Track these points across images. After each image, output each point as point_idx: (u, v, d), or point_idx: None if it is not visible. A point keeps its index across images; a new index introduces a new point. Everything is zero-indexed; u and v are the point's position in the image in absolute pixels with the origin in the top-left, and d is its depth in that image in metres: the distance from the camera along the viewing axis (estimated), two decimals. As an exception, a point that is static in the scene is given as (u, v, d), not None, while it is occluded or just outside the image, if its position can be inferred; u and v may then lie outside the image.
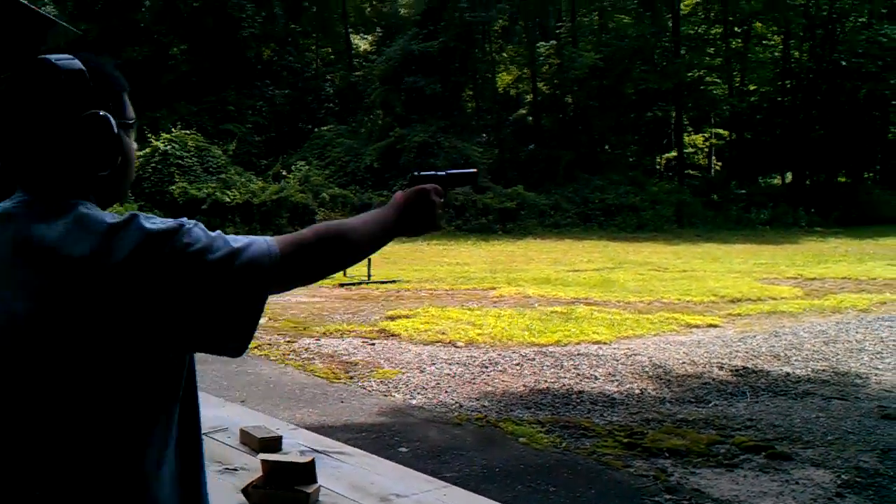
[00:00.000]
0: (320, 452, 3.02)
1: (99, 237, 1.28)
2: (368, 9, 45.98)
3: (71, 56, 1.36)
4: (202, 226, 1.34)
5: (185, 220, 1.34)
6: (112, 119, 1.35)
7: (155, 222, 1.30)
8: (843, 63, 34.39)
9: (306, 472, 2.58)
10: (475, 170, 1.95)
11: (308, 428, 5.66)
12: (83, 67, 1.35)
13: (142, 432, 1.32)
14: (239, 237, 1.36)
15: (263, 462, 2.61)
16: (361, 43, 43.94)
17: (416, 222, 1.65)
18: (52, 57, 1.35)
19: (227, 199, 28.39)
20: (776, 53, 38.34)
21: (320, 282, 13.43)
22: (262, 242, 1.37)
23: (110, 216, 1.31)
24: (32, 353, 1.26)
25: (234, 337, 1.34)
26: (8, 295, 1.28)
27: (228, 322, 1.32)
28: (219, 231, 1.36)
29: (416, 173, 1.77)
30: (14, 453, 1.28)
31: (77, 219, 1.30)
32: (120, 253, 1.26)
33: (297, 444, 3.11)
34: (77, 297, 1.25)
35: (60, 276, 1.26)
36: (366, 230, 1.54)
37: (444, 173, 1.79)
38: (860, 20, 35.32)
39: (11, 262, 1.29)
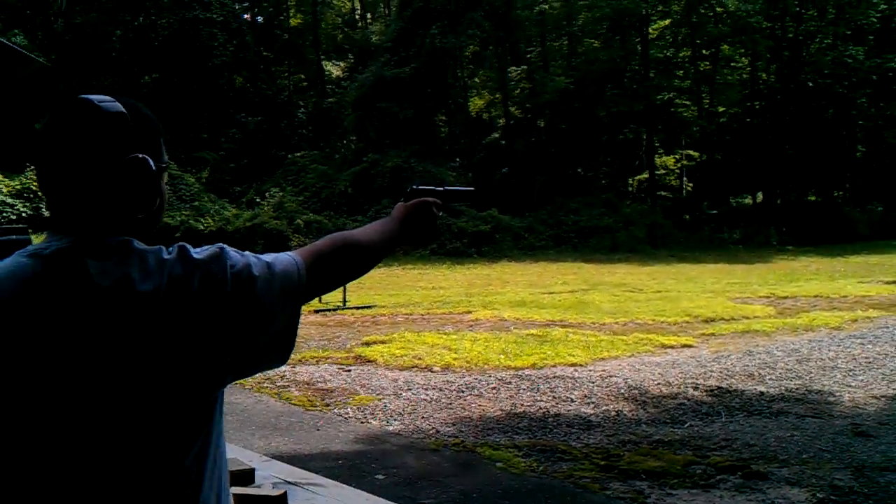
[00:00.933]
0: (293, 484, 3.00)
1: (162, 272, 1.31)
2: (340, 36, 46.21)
3: (112, 98, 1.37)
4: (228, 247, 1.40)
5: (219, 245, 1.40)
6: (152, 162, 1.36)
7: (199, 252, 1.36)
8: (810, 84, 34.94)
9: (278, 504, 2.56)
10: (472, 188, 1.98)
11: (283, 457, 5.62)
12: (124, 110, 1.36)
13: (198, 446, 1.35)
14: (264, 255, 1.43)
15: (235, 496, 2.58)
16: (334, 69, 44.09)
17: (418, 232, 1.76)
18: (95, 98, 1.35)
19: (201, 227, 28.27)
20: (744, 75, 38.88)
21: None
22: (288, 257, 1.45)
23: (163, 250, 1.35)
24: (112, 386, 1.27)
25: (284, 349, 1.45)
26: (82, 334, 1.26)
27: (278, 335, 1.42)
28: (246, 252, 1.43)
29: (415, 187, 1.81)
30: (98, 478, 1.28)
31: (138, 255, 1.32)
32: (185, 285, 1.30)
33: (269, 477, 3.08)
34: (151, 329, 1.28)
35: (134, 312, 1.27)
36: (374, 238, 1.64)
37: (441, 189, 1.82)
38: (826, 41, 35.92)
39: (80, 302, 1.27)
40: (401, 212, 1.75)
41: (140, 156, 1.35)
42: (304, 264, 1.46)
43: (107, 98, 1.36)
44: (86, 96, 1.36)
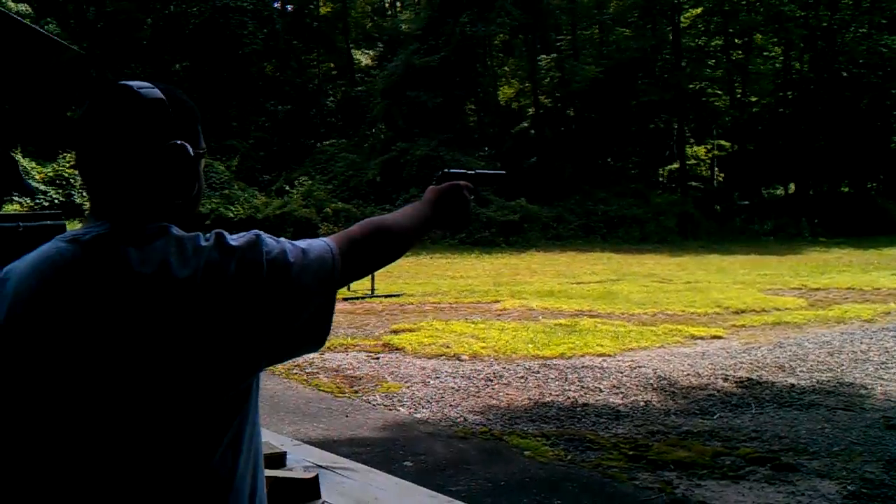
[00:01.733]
0: (324, 468, 3.02)
1: (199, 258, 1.31)
2: (369, 24, 46.22)
3: (151, 84, 1.38)
4: (264, 233, 1.41)
5: (255, 232, 1.41)
6: (190, 149, 1.37)
7: (235, 238, 1.37)
8: (844, 74, 34.48)
9: (310, 487, 2.58)
10: (503, 172, 1.98)
11: (312, 443, 5.66)
12: (163, 96, 1.37)
13: (233, 429, 1.36)
14: (302, 242, 1.44)
15: (267, 478, 2.61)
16: (363, 58, 44.10)
17: (450, 216, 1.76)
18: (134, 84, 1.36)
19: (231, 215, 28.47)
20: (777, 65, 38.42)
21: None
22: (322, 243, 1.46)
23: (200, 237, 1.35)
24: (151, 372, 1.28)
25: (319, 334, 1.45)
26: (119, 320, 1.28)
27: (313, 320, 1.42)
28: (281, 238, 1.43)
29: (446, 171, 1.82)
30: (124, 464, 1.29)
31: (175, 242, 1.33)
32: (221, 271, 1.31)
33: (301, 460, 3.10)
34: (189, 315, 1.28)
35: (172, 298, 1.28)
36: (406, 223, 1.64)
37: (472, 172, 1.83)
38: (860, 31, 35.40)
39: (117, 288, 1.28)
40: (433, 195, 1.75)
41: (179, 142, 1.36)
42: (339, 250, 1.46)
43: (146, 84, 1.37)
44: (125, 82, 1.37)
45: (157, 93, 1.36)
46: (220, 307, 1.30)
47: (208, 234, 1.37)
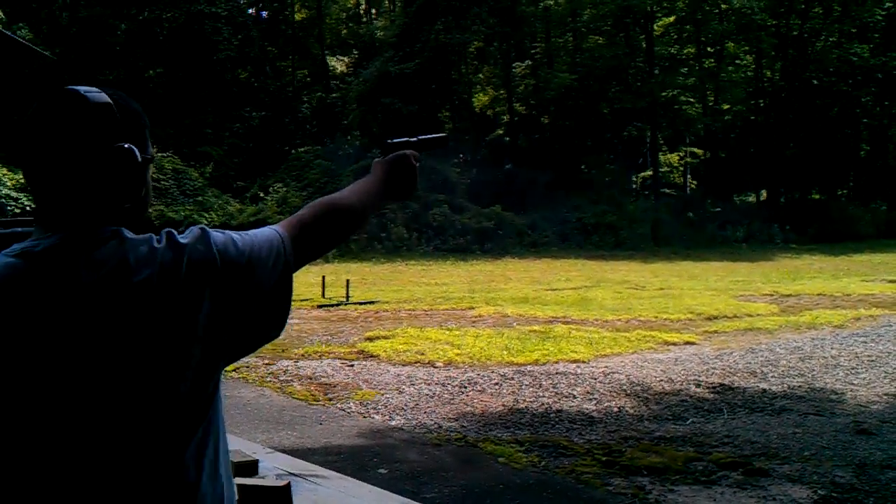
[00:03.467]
0: (297, 476, 3.01)
1: (154, 260, 1.32)
2: (344, 31, 46.17)
3: (98, 89, 1.37)
4: (208, 227, 1.42)
5: (200, 226, 1.43)
6: (137, 152, 1.36)
7: (185, 236, 1.38)
8: (815, 82, 34.88)
9: (282, 495, 2.57)
10: (445, 134, 2.00)
11: (286, 451, 5.63)
12: (110, 101, 1.36)
13: (198, 436, 1.36)
14: (248, 231, 1.46)
15: (239, 486, 2.60)
16: (338, 64, 44.06)
17: (400, 186, 1.78)
18: (81, 89, 1.35)
19: (205, 222, 28.27)
20: (749, 73, 38.84)
21: (298, 303, 13.31)
22: (268, 229, 1.47)
23: (153, 238, 1.36)
24: (115, 381, 1.27)
25: (278, 323, 1.46)
26: (79, 330, 1.27)
27: (272, 310, 1.44)
28: (226, 230, 1.45)
29: (388, 141, 1.83)
30: (99, 460, 1.28)
31: (130, 245, 1.33)
32: (175, 269, 1.32)
33: (273, 468, 3.09)
34: (150, 317, 1.29)
35: (131, 302, 1.28)
36: (356, 199, 1.64)
37: (415, 139, 1.85)
38: (831, 39, 35.86)
39: (75, 297, 1.27)
40: (381, 168, 1.76)
41: (126, 145, 1.35)
42: (288, 234, 1.48)
43: (93, 89, 1.36)
44: (72, 87, 1.36)
45: (104, 97, 1.35)
46: (180, 305, 1.31)
47: (159, 235, 1.37)
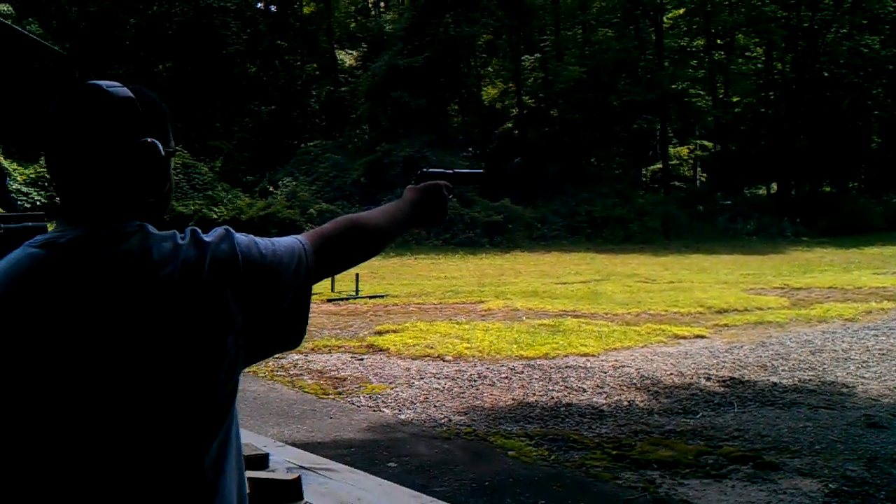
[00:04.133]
0: (307, 469, 3.01)
1: (176, 256, 1.32)
2: (353, 24, 46.14)
3: (120, 84, 1.37)
4: (232, 230, 1.42)
5: (224, 227, 1.43)
6: (160, 146, 1.37)
7: (209, 235, 1.38)
8: (826, 74, 34.72)
9: (292, 488, 2.57)
10: (482, 171, 2.00)
11: (296, 444, 5.65)
12: (133, 95, 1.36)
13: (221, 435, 1.36)
14: (271, 238, 1.46)
15: (249, 479, 2.60)
16: (347, 58, 44.03)
17: (429, 215, 1.79)
18: (103, 84, 1.35)
19: (215, 216, 28.38)
20: (759, 65, 38.66)
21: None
22: (291, 238, 1.48)
23: (177, 235, 1.36)
24: (136, 376, 1.27)
25: (296, 331, 1.47)
26: (101, 322, 1.27)
27: (290, 315, 1.45)
28: (250, 235, 1.45)
29: (425, 170, 1.84)
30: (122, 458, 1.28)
31: (153, 241, 1.33)
32: (198, 267, 1.32)
33: (283, 462, 3.10)
34: (172, 314, 1.29)
35: (153, 297, 1.28)
36: (382, 221, 1.66)
37: (451, 172, 1.85)
38: (841, 31, 35.66)
39: (98, 290, 1.28)
40: (413, 195, 1.78)
41: (149, 140, 1.35)
42: (311, 246, 1.48)
43: (115, 83, 1.36)
44: (94, 82, 1.36)
45: (126, 92, 1.35)
46: (201, 303, 1.31)
47: (184, 232, 1.37)
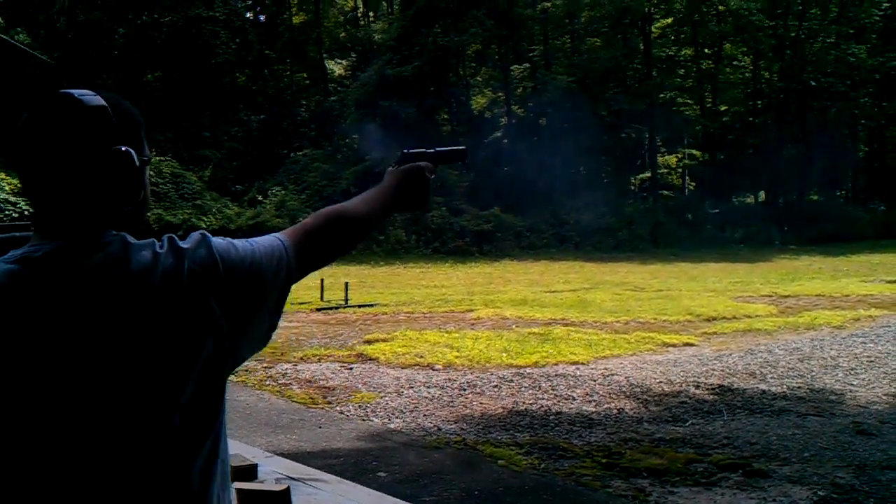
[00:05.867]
0: (296, 480, 3.00)
1: (156, 265, 1.30)
2: (342, 34, 46.15)
3: (93, 92, 1.35)
4: (209, 234, 1.41)
5: (200, 232, 1.42)
6: (135, 155, 1.35)
7: (186, 241, 1.37)
8: (813, 83, 34.91)
9: (281, 500, 2.56)
10: (463, 147, 1.98)
11: (285, 454, 5.63)
12: (105, 103, 1.34)
13: (209, 444, 1.35)
14: (250, 239, 1.45)
15: (238, 491, 2.59)
16: (336, 68, 44.05)
17: (411, 198, 1.75)
18: (75, 92, 1.33)
19: (203, 225, 28.29)
20: (746, 74, 38.86)
21: (297, 307, 13.29)
22: (270, 237, 1.47)
23: (155, 243, 1.35)
24: (122, 389, 1.26)
25: (269, 331, 1.45)
26: (83, 335, 1.25)
27: (267, 317, 1.43)
28: (227, 237, 1.43)
29: (405, 151, 1.80)
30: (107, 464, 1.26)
31: (133, 251, 1.32)
32: (178, 275, 1.31)
33: (272, 472, 3.08)
34: (154, 324, 1.28)
35: (135, 308, 1.27)
36: (365, 208, 1.63)
37: (433, 150, 1.82)
38: (828, 41, 35.87)
39: (77, 303, 1.26)
40: (394, 178, 1.74)
41: (123, 148, 1.33)
42: (291, 243, 1.47)
43: (87, 92, 1.35)
44: (66, 91, 1.34)
45: (98, 100, 1.33)
46: (182, 311, 1.29)
47: (161, 240, 1.36)
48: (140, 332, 1.27)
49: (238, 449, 3.54)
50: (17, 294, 1.26)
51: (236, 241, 1.41)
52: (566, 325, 12.79)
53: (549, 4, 37.49)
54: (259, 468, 3.06)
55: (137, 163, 1.35)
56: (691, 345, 11.02)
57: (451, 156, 1.92)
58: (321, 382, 9.12)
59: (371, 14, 47.55)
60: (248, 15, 42.83)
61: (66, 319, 1.25)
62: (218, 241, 1.39)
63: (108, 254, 1.30)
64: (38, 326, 1.25)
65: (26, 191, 1.36)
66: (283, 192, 32.69)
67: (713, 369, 9.35)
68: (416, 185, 1.75)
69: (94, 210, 1.33)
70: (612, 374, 9.12)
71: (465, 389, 8.56)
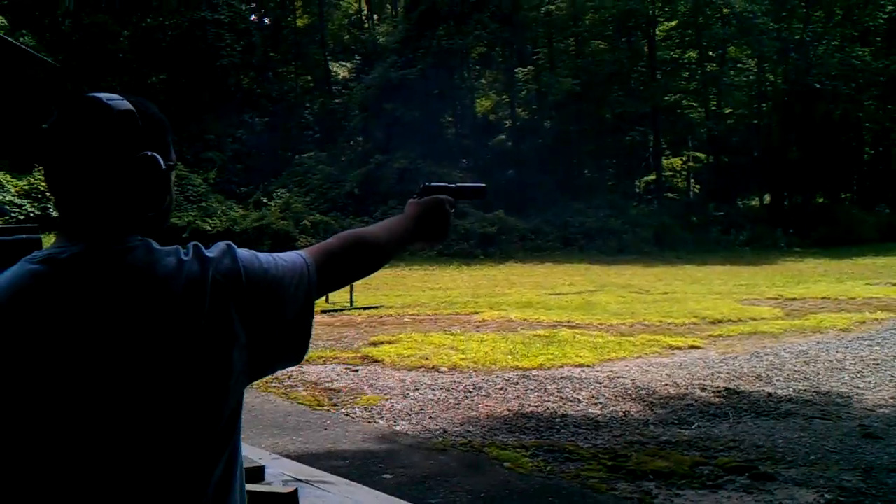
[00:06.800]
0: (303, 482, 3.00)
1: (180, 272, 1.30)
2: (347, 36, 46.22)
3: (120, 97, 1.35)
4: (234, 245, 1.41)
5: (226, 242, 1.42)
6: (161, 159, 1.34)
7: (211, 250, 1.37)
8: (817, 86, 34.84)
9: (289, 502, 2.56)
10: (483, 185, 2.00)
11: (291, 456, 5.63)
12: (133, 108, 1.34)
13: (227, 452, 1.35)
14: (275, 254, 1.45)
15: (246, 493, 2.58)
16: (340, 70, 44.07)
17: (431, 230, 1.77)
18: (103, 96, 1.33)
19: (208, 227, 28.32)
20: (751, 77, 38.80)
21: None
22: (294, 253, 1.47)
23: (180, 250, 1.35)
24: (141, 394, 1.26)
25: (298, 346, 1.45)
26: (107, 339, 1.25)
27: (291, 330, 1.42)
28: (251, 250, 1.44)
29: (427, 184, 1.83)
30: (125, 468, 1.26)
31: (157, 257, 1.32)
32: (202, 283, 1.31)
33: (279, 474, 3.08)
34: (177, 330, 1.27)
35: (158, 314, 1.27)
36: (385, 236, 1.64)
37: (454, 185, 1.85)
38: (833, 43, 35.83)
39: (101, 306, 1.26)
40: (415, 209, 1.75)
41: (150, 153, 1.33)
42: (314, 262, 1.47)
43: (115, 96, 1.34)
44: (94, 94, 1.34)
45: (126, 104, 1.33)
46: (204, 319, 1.29)
47: (186, 248, 1.35)
48: (162, 339, 1.27)
49: (245, 451, 3.53)
50: (43, 295, 1.26)
51: (260, 254, 1.42)
52: (571, 327, 12.78)
53: (553, 7, 37.50)
54: (266, 470, 3.06)
55: (164, 167, 1.35)
56: (697, 347, 11.00)
57: (472, 192, 1.96)
58: (327, 384, 9.12)
59: (375, 16, 47.58)
60: (253, 17, 42.88)
61: (89, 322, 1.25)
62: (243, 253, 1.39)
63: (134, 258, 1.30)
64: (62, 327, 1.24)
65: (52, 192, 1.36)
66: (287, 194, 32.71)
67: (719, 372, 9.34)
68: (436, 217, 1.77)
69: (119, 214, 1.33)
70: (618, 377, 9.11)
71: (470, 392, 8.56)
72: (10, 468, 1.25)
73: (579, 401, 8.10)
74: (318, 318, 14.18)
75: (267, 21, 43.99)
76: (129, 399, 1.25)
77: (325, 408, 8.10)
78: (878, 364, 9.63)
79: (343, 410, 7.98)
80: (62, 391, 1.23)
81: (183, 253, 1.34)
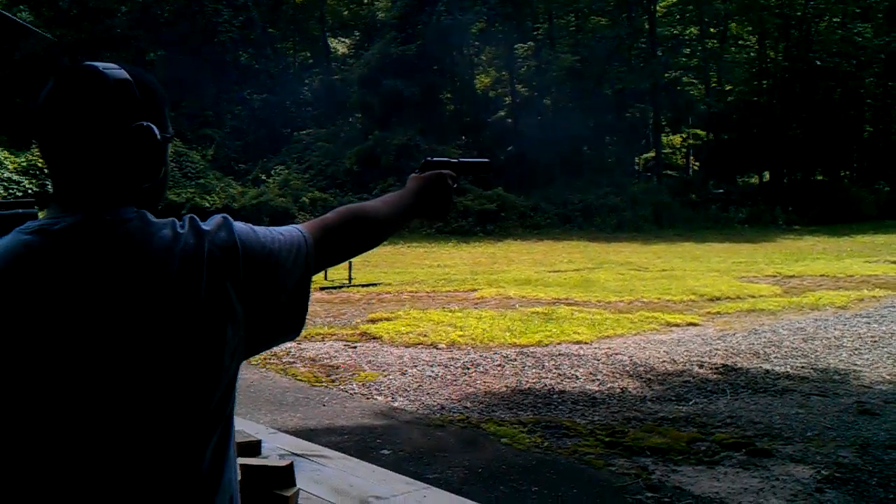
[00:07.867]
0: (300, 456, 3.01)
1: (176, 244, 1.28)
2: (346, 12, 45.92)
3: (117, 66, 1.33)
4: (230, 218, 1.39)
5: (222, 215, 1.39)
6: (157, 130, 1.32)
7: (207, 223, 1.35)
8: (818, 63, 34.72)
9: (284, 475, 2.56)
10: (487, 160, 1.97)
11: (289, 432, 5.65)
12: (129, 77, 1.32)
13: (220, 429, 1.34)
14: (273, 228, 1.42)
15: (242, 466, 2.59)
16: (339, 46, 43.86)
17: (433, 205, 1.74)
18: (99, 65, 1.31)
19: (207, 205, 28.29)
20: (752, 54, 38.66)
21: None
22: (292, 227, 1.45)
23: (176, 223, 1.32)
24: (134, 367, 1.24)
25: (296, 321, 1.43)
26: (99, 311, 1.23)
27: (290, 305, 1.40)
28: (248, 223, 1.42)
29: (429, 159, 1.80)
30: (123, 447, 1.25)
31: (154, 229, 1.30)
32: (198, 255, 1.29)
33: (276, 448, 3.09)
34: (172, 303, 1.25)
35: (153, 286, 1.25)
36: (386, 211, 1.62)
37: (456, 160, 1.82)
38: (834, 20, 35.66)
39: (95, 278, 1.24)
40: (416, 183, 1.73)
41: (145, 124, 1.31)
42: (312, 237, 1.45)
43: (112, 65, 1.32)
44: (90, 63, 1.32)
45: (123, 74, 1.31)
46: (200, 291, 1.27)
47: (182, 220, 1.33)
48: (157, 311, 1.25)
49: (242, 425, 3.55)
50: (34, 265, 1.24)
51: (257, 228, 1.40)
52: (570, 304, 12.79)
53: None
54: (263, 444, 3.07)
55: (159, 138, 1.33)
56: (695, 324, 11.02)
57: (475, 167, 1.92)
58: (325, 361, 9.14)
59: (375, -8, 47.25)
60: (251, -7, 42.57)
61: (82, 294, 1.23)
62: (239, 226, 1.37)
63: (128, 229, 1.28)
64: (54, 300, 1.23)
65: (46, 163, 1.34)
66: (286, 171, 32.65)
67: (717, 349, 9.36)
68: (438, 192, 1.73)
69: (113, 185, 1.31)
70: (616, 354, 9.13)
71: (468, 368, 8.58)
72: (2, 440, 1.23)
73: (577, 377, 8.12)
74: (316, 296, 14.28)
75: (265, -4, 43.68)
76: (123, 372, 1.23)
77: (324, 384, 8.11)
78: (875, 341, 9.65)
79: (341, 387, 8.00)
80: (54, 362, 1.22)
81: (179, 225, 1.31)
